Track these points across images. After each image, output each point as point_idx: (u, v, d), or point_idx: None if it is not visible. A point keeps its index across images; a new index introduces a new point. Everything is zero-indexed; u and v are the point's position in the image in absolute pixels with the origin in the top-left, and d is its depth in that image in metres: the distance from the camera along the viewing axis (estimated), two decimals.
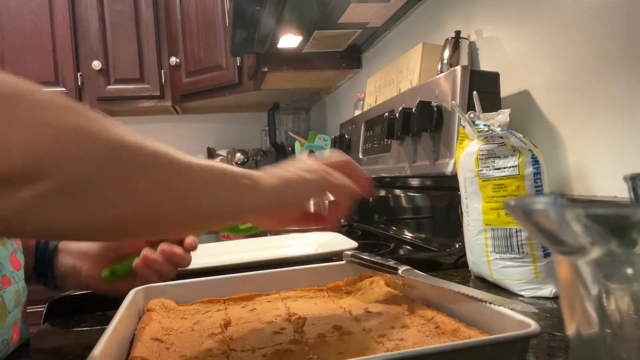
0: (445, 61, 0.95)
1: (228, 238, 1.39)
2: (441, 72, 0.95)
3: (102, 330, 0.40)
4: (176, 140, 2.56)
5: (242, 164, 2.37)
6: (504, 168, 0.60)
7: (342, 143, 1.45)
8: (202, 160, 0.39)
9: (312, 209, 0.49)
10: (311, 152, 1.42)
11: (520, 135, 0.60)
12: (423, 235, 0.98)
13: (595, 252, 0.20)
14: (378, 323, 0.44)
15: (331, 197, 0.49)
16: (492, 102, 0.80)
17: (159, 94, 2.21)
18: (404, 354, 0.32)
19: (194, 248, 0.61)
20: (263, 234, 1.37)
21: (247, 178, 0.41)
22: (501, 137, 0.60)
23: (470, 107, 0.75)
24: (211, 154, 2.40)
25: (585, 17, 0.69)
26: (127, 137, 0.32)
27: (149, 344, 0.42)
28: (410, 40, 1.29)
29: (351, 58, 1.68)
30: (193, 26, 2.06)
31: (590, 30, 0.69)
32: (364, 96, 1.45)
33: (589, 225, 0.19)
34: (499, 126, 0.60)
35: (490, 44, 0.93)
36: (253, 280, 0.58)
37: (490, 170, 0.61)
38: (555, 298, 0.56)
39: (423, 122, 0.88)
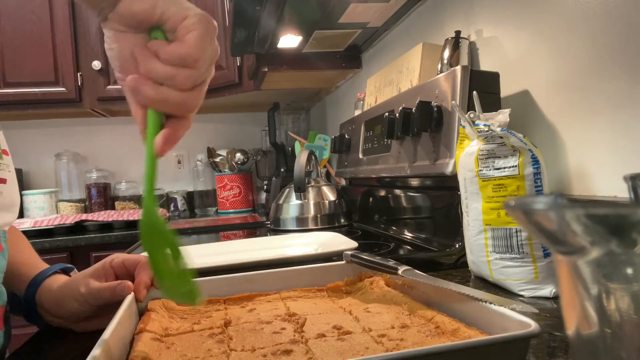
0: (445, 61, 0.95)
1: (228, 238, 1.39)
2: (441, 72, 0.95)
3: (102, 331, 0.40)
4: None
5: (242, 164, 2.37)
6: (504, 168, 0.60)
7: (342, 143, 1.45)
8: None
9: None
10: (311, 152, 1.42)
11: (520, 135, 0.60)
12: (423, 235, 0.98)
13: (595, 252, 0.20)
14: (378, 323, 0.44)
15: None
16: (492, 102, 0.80)
17: None
18: (404, 354, 0.32)
19: None
20: (263, 234, 1.38)
21: None
22: (501, 137, 0.60)
23: (470, 107, 0.75)
24: (211, 154, 2.40)
25: (585, 17, 0.69)
26: None
27: (150, 343, 0.42)
28: (410, 40, 1.29)
29: (351, 58, 1.68)
30: None
31: (590, 30, 0.69)
32: (364, 96, 1.45)
33: (589, 225, 0.19)
34: (499, 126, 0.60)
35: (490, 44, 0.93)
36: (253, 280, 0.58)
37: (490, 170, 0.61)
38: (555, 298, 0.56)
39: (423, 122, 0.88)
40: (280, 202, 1.39)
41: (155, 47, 0.39)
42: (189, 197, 2.51)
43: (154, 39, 0.39)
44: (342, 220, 1.37)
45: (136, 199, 2.43)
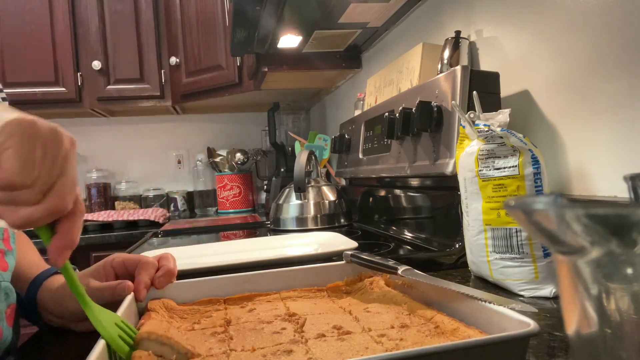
0: (445, 61, 0.95)
1: (228, 238, 1.39)
2: (441, 72, 0.95)
3: None
4: (176, 140, 2.56)
5: (242, 164, 2.37)
6: (504, 168, 0.60)
7: (342, 143, 1.45)
8: None
9: None
10: (311, 152, 1.42)
11: (520, 135, 0.60)
12: (423, 235, 0.98)
13: (595, 252, 0.20)
14: (378, 323, 0.44)
15: None
16: (492, 102, 0.80)
17: (159, 94, 2.21)
18: (403, 354, 0.32)
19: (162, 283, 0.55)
20: (263, 234, 1.38)
21: None
22: (501, 137, 0.60)
23: (470, 107, 0.75)
24: (211, 153, 2.40)
25: (585, 17, 0.69)
26: None
27: (157, 324, 0.43)
28: (410, 40, 1.29)
29: (351, 58, 1.68)
30: (193, 26, 2.06)
31: (590, 30, 0.69)
32: (364, 96, 1.45)
33: (589, 225, 0.19)
34: (499, 126, 0.60)
35: (490, 44, 0.93)
36: (253, 280, 0.58)
37: (490, 170, 0.61)
38: (555, 298, 0.56)
39: (423, 122, 0.88)
40: (280, 202, 1.39)
41: None
42: (189, 197, 2.51)
43: None
44: (342, 220, 1.37)
45: (136, 199, 2.43)
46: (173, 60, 2.12)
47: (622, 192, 0.62)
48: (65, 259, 0.37)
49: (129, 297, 0.50)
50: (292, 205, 1.36)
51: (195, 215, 2.42)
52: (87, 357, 0.35)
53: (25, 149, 0.32)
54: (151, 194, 2.44)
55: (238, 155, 2.36)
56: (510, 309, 0.38)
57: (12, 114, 0.34)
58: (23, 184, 0.33)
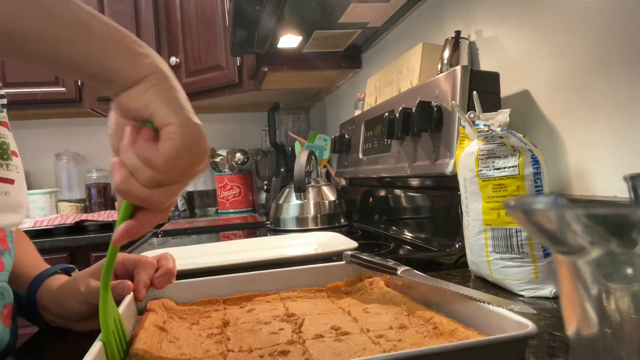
0: (445, 61, 0.95)
1: (228, 238, 1.39)
2: (441, 72, 0.95)
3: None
4: None
5: (242, 164, 2.37)
6: (504, 168, 0.60)
7: (342, 143, 1.45)
8: (111, 23, 0.38)
9: None
10: (311, 152, 1.42)
11: (520, 135, 0.60)
12: (423, 235, 0.98)
13: (595, 252, 0.20)
14: (376, 323, 0.44)
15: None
16: (492, 102, 0.80)
17: None
18: (401, 355, 0.32)
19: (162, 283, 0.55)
20: (263, 234, 1.38)
21: (145, 56, 0.38)
22: (501, 137, 0.60)
23: (470, 107, 0.75)
24: (211, 153, 2.39)
25: (585, 17, 0.69)
26: None
27: (152, 332, 0.42)
28: (410, 40, 1.28)
29: (351, 58, 1.68)
30: (193, 26, 2.06)
31: (590, 30, 0.69)
32: (364, 96, 1.45)
33: (589, 225, 0.19)
34: (499, 126, 0.60)
35: (490, 44, 0.93)
36: (253, 280, 0.58)
37: (490, 170, 0.61)
38: (555, 298, 0.56)
39: (423, 122, 0.88)
40: (280, 202, 1.39)
41: (138, 136, 0.38)
42: (189, 197, 2.51)
43: (146, 127, 0.38)
44: (342, 220, 1.37)
45: None
46: (173, 60, 2.12)
47: (622, 192, 0.62)
48: (123, 242, 0.40)
49: (129, 297, 0.50)
50: (292, 205, 1.36)
51: (195, 215, 2.42)
52: (88, 351, 0.35)
53: (181, 150, 0.37)
54: None
55: (238, 155, 2.36)
56: (509, 310, 0.38)
57: (189, 114, 0.38)
58: (160, 167, 0.37)
